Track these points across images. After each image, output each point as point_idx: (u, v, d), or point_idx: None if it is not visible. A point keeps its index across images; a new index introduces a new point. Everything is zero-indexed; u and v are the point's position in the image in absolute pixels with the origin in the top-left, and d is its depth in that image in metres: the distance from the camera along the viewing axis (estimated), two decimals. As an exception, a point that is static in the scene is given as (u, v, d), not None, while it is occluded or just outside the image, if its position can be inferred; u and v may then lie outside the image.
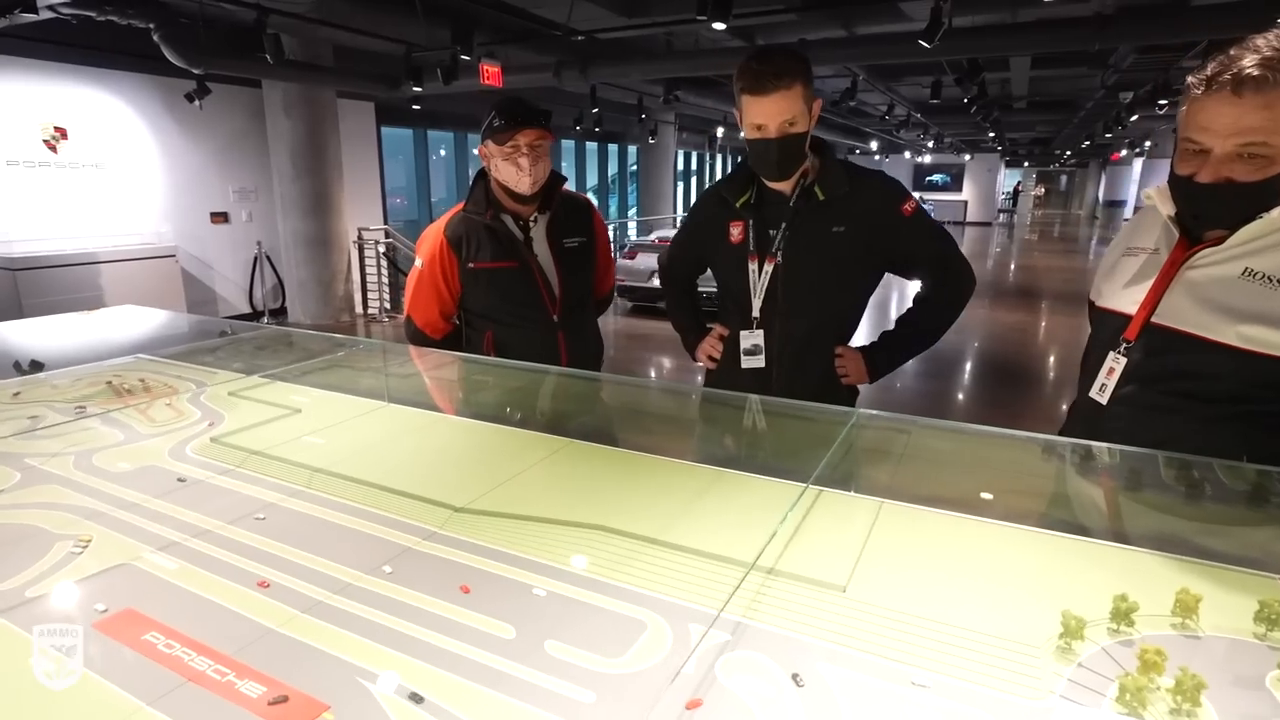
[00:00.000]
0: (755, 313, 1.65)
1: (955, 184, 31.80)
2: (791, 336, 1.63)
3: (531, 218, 1.93)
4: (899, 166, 30.80)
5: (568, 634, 0.88)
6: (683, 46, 9.18)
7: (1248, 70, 1.01)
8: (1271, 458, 1.09)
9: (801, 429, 1.44)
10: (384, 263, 9.34)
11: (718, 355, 1.76)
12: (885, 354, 1.71)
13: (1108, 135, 16.55)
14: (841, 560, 1.04)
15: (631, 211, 18.38)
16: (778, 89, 1.48)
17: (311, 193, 8.41)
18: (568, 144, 15.65)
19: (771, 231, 1.62)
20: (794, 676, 0.81)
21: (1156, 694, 0.75)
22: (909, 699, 0.77)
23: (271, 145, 8.43)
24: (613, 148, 17.41)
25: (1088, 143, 21.34)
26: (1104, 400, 1.25)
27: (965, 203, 31.28)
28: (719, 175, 21.75)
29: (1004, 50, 6.63)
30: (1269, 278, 1.09)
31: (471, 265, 1.91)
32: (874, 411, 1.23)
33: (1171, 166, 1.17)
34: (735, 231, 1.68)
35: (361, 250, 9.38)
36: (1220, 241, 1.14)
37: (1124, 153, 21.75)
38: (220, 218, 8.89)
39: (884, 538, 1.09)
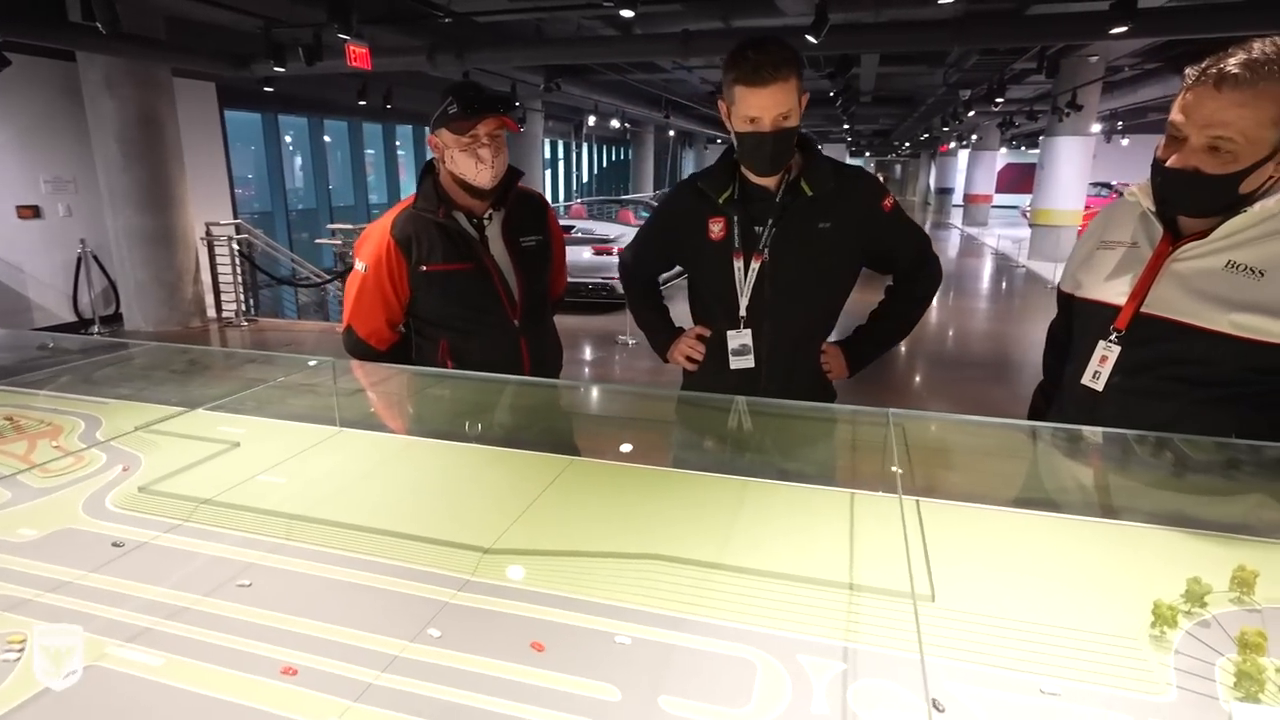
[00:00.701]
0: (743, 312, 1.61)
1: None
2: (781, 335, 1.60)
3: (486, 215, 1.77)
4: (756, 156, 32.05)
5: (678, 685, 0.80)
6: (555, 33, 8.99)
7: (1231, 68, 1.09)
8: (1260, 433, 1.19)
9: (823, 431, 1.43)
10: (239, 261, 8.48)
11: (699, 356, 1.70)
12: (864, 348, 1.73)
13: (945, 129, 18.08)
14: (914, 567, 1.02)
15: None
16: (775, 80, 1.43)
17: (147, 183, 7.44)
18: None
19: (758, 228, 1.59)
20: (934, 702, 0.77)
21: (1253, 666, 0.78)
22: (1048, 709, 0.76)
23: (93, 129, 7.36)
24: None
25: (925, 135, 23.23)
26: (1099, 387, 1.32)
27: (816, 190, 33.15)
28: (585, 164, 21.65)
29: (871, 48, 7.03)
30: (1251, 269, 1.19)
31: (424, 268, 1.72)
32: (904, 410, 1.23)
33: (1155, 152, 1.25)
34: (716, 228, 1.63)
35: (211, 248, 8.46)
36: (1204, 235, 1.23)
37: (952, 145, 23.89)
38: (29, 211, 7.67)
39: (939, 538, 1.08)
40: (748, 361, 1.62)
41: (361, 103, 9.69)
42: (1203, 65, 1.12)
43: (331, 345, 7.33)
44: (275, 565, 1.04)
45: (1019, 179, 27.36)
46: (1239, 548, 1.06)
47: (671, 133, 23.51)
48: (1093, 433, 1.27)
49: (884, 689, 0.79)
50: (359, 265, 1.76)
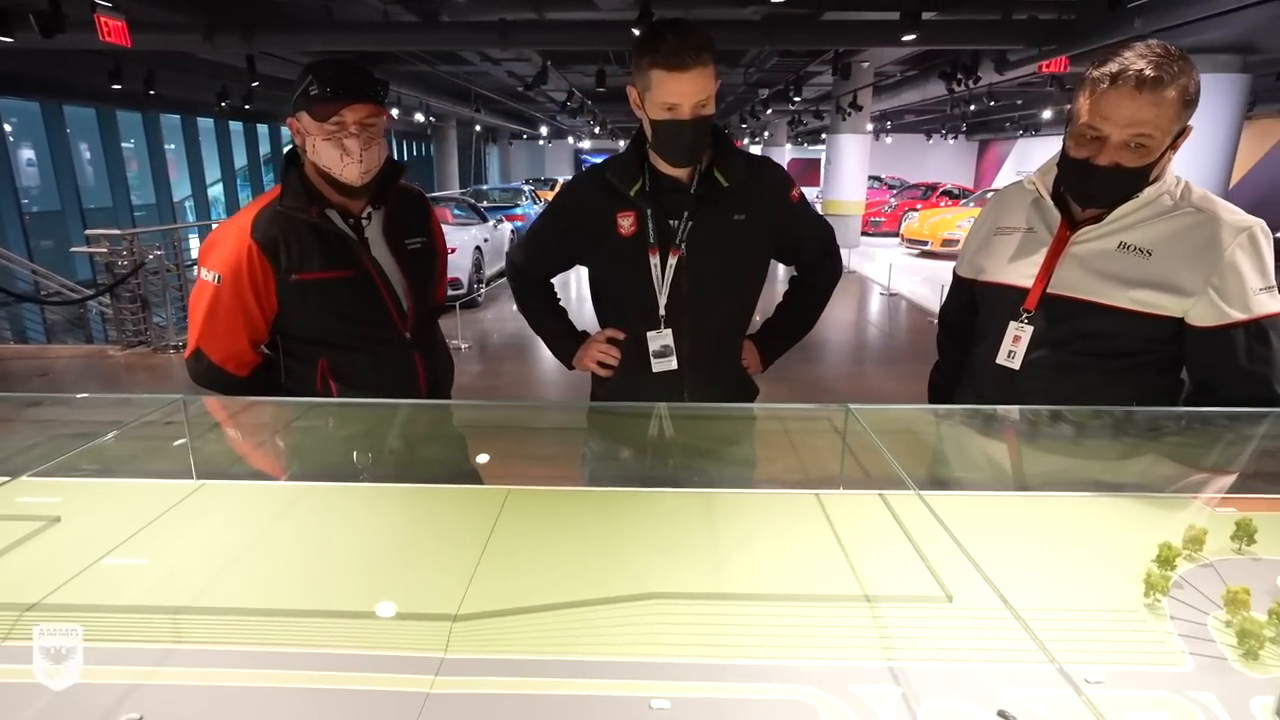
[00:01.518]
0: (662, 310, 1.52)
1: (614, 168, 34.21)
2: (703, 333, 1.53)
3: (364, 214, 1.53)
4: (561, 151, 32.17)
5: (746, 749, 0.69)
6: (345, 16, 8.27)
7: (1147, 72, 1.19)
8: (1157, 397, 1.33)
9: (773, 431, 1.37)
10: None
11: (613, 361, 1.58)
12: (775, 341, 1.71)
13: (743, 125, 19.21)
14: (916, 567, 0.99)
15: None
16: (696, 65, 1.34)
17: None
18: (205, 124, 13.21)
19: (672, 222, 1.50)
20: (1001, 714, 0.74)
21: (1254, 623, 0.84)
22: (1104, 700, 0.76)
23: None
24: (263, 128, 15.18)
25: (728, 130, 24.52)
26: (1016, 365, 1.40)
27: (624, 185, 33.87)
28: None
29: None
30: (1140, 249, 1.31)
31: (295, 277, 1.45)
32: (862, 405, 1.21)
33: (1064, 151, 1.33)
34: (626, 223, 1.52)
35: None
36: (1098, 220, 1.34)
37: (745, 141, 25.58)
38: None
39: (921, 531, 1.07)
40: (670, 363, 1.53)
41: (116, 86, 8.27)
42: (1110, 71, 1.20)
43: (101, 372, 6.20)
44: (172, 682, 0.78)
45: (803, 173, 29.95)
46: (1175, 508, 1.16)
47: (477, 128, 22.81)
48: (1038, 411, 1.34)
49: (951, 708, 0.75)
50: (208, 276, 1.46)
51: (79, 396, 1.50)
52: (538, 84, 9.58)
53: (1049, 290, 1.36)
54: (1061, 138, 1.33)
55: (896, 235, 15.37)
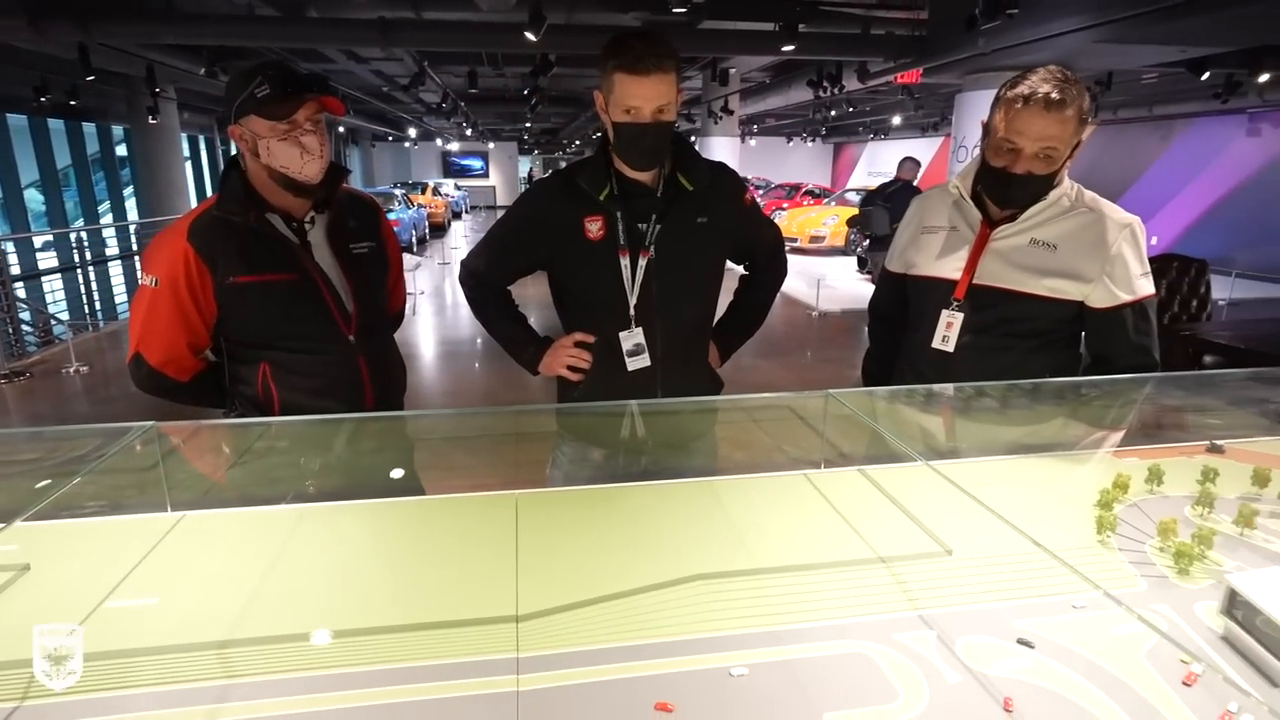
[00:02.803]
0: (632, 310, 1.58)
1: (484, 170, 33.55)
2: (672, 331, 1.60)
3: (307, 217, 1.53)
4: (428, 153, 31.16)
5: (825, 698, 0.78)
6: (196, 8, 7.63)
7: (1054, 95, 1.39)
8: (1064, 370, 1.55)
9: (759, 419, 1.46)
10: None
11: (585, 364, 1.62)
12: (731, 337, 1.81)
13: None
14: (910, 529, 1.12)
15: (130, 206, 14.73)
16: (658, 71, 1.41)
17: None
18: (17, 121, 11.68)
19: (641, 225, 1.56)
20: (1020, 641, 0.87)
21: (1186, 546, 1.02)
22: (1093, 621, 0.91)
23: None
24: (89, 127, 13.62)
25: (597, 134, 24.77)
26: (950, 349, 1.58)
27: (494, 187, 33.32)
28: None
29: (568, 49, 7.25)
30: (1048, 244, 1.52)
31: (232, 280, 1.46)
32: (836, 391, 1.33)
33: (983, 160, 1.52)
34: (594, 227, 1.56)
35: None
36: (1012, 219, 1.54)
37: (617, 144, 25.89)
38: None
39: (907, 498, 1.20)
40: (644, 361, 1.59)
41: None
42: (1023, 93, 1.39)
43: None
44: (246, 717, 0.76)
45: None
46: (1089, 461, 1.36)
47: (340, 129, 21.65)
48: (981, 388, 1.51)
49: (981, 643, 0.87)
50: (146, 280, 1.47)
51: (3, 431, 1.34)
52: (416, 84, 9.26)
53: (975, 281, 1.55)
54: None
55: (766, 234, 16.09)
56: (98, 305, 9.25)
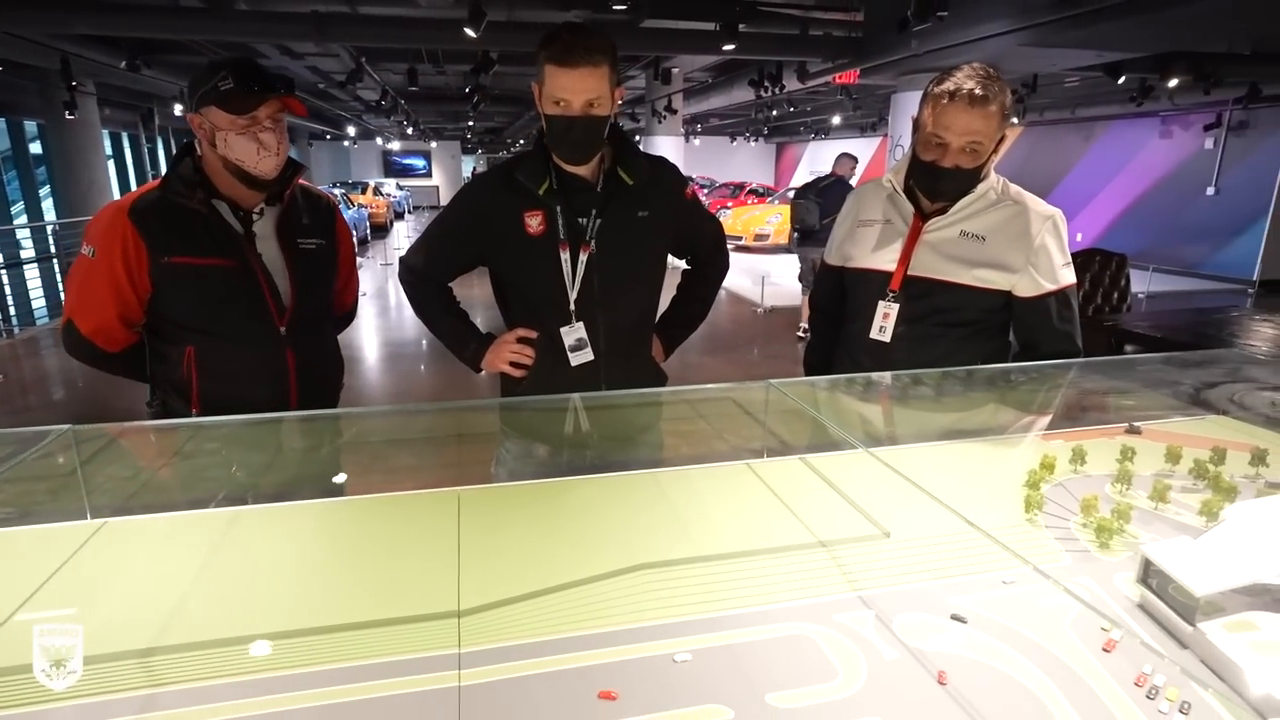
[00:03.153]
0: (572, 305, 1.57)
1: (426, 170, 32.92)
2: (614, 326, 1.60)
3: (257, 209, 1.55)
4: (368, 152, 30.43)
5: (768, 679, 0.79)
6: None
7: (978, 91, 1.44)
8: (994, 357, 1.61)
9: (703, 411, 1.46)
10: None
11: (528, 360, 1.61)
12: (674, 331, 1.81)
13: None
14: (849, 513, 1.15)
15: (47, 207, 13.91)
16: (586, 64, 1.41)
17: None
18: (-81, 114, 10.95)
19: (581, 220, 1.55)
20: (954, 617, 0.90)
21: (1106, 521, 1.08)
22: (1023, 594, 0.94)
23: None
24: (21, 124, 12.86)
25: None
26: (887, 339, 1.62)
27: (437, 187, 32.75)
28: (161, 161, 18.05)
29: (509, 45, 7.16)
30: (976, 235, 1.58)
31: (168, 259, 1.48)
32: (777, 381, 1.35)
33: (914, 154, 1.57)
34: (534, 222, 1.54)
35: None
36: (943, 212, 1.59)
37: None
38: None
39: (847, 483, 1.23)
40: (587, 355, 1.59)
41: None
42: (949, 89, 1.44)
43: None
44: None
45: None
46: (1017, 444, 1.42)
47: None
48: (924, 374, 1.56)
49: (916, 620, 0.89)
50: (85, 249, 1.50)
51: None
52: (353, 81, 9.03)
53: (909, 272, 1.60)
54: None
55: (712, 232, 16.26)
56: (12, 311, 8.74)
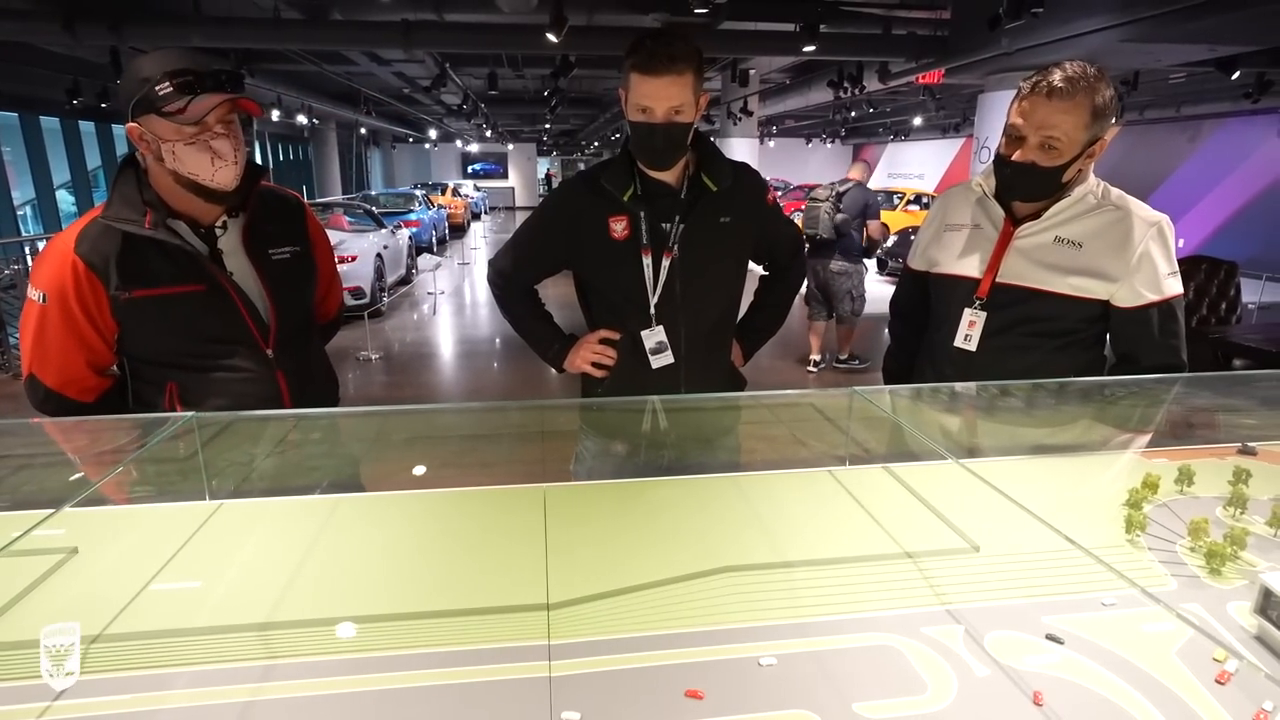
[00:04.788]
0: (653, 309, 1.59)
1: (502, 172, 33.69)
2: (695, 330, 1.61)
3: (219, 223, 1.38)
4: (447, 154, 31.39)
5: (854, 688, 0.79)
6: (220, 10, 7.75)
7: (1057, 83, 1.38)
8: (1089, 370, 1.54)
9: (786, 416, 1.47)
10: None
11: (609, 361, 1.64)
12: (755, 336, 1.82)
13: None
14: (935, 525, 1.12)
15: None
16: (670, 72, 1.43)
17: None
18: (50, 123, 11.95)
19: (665, 225, 1.57)
20: (1049, 637, 0.87)
21: (1218, 545, 1.02)
22: (1123, 618, 0.91)
23: None
24: (119, 129, 13.90)
25: (616, 136, 24.77)
26: (973, 348, 1.58)
27: (513, 189, 33.47)
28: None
29: (590, 49, 7.29)
30: (1073, 242, 1.51)
31: (128, 295, 1.31)
32: (861, 389, 1.33)
33: (997, 150, 1.52)
34: (619, 227, 1.58)
35: None
36: (1036, 216, 1.53)
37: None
38: None
39: (934, 494, 1.20)
40: (668, 358, 1.61)
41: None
42: (1034, 80, 1.39)
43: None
44: (289, 695, 0.78)
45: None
46: (1118, 462, 1.35)
47: (363, 130, 21.87)
48: (1012, 386, 1.51)
49: (1009, 638, 0.87)
50: (34, 295, 1.32)
51: (32, 422, 1.38)
52: (437, 86, 9.35)
53: (998, 279, 1.55)
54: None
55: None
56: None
